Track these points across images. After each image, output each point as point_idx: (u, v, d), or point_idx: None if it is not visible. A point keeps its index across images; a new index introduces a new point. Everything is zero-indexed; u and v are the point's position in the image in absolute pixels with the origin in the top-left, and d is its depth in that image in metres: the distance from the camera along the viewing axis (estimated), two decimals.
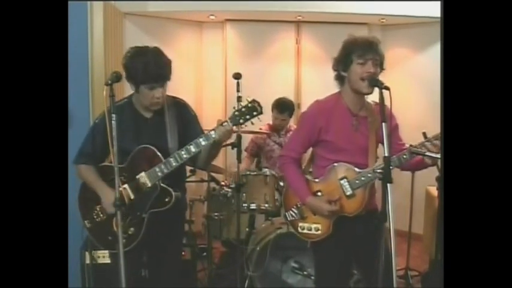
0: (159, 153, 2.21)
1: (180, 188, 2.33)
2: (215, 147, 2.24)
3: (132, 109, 2.29)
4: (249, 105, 2.15)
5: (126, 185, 2.24)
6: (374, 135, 2.20)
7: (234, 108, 2.18)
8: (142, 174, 2.22)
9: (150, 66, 2.12)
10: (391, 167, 1.90)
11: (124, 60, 2.20)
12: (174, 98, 2.37)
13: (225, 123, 2.14)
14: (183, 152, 2.17)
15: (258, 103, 2.16)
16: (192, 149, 2.16)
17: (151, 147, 2.21)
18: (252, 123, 2.19)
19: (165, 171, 2.19)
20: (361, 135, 2.21)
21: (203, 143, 2.15)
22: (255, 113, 2.15)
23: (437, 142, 2.04)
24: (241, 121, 2.15)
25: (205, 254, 3.52)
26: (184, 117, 2.35)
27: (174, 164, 2.18)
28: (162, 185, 2.22)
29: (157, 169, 2.20)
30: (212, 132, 2.14)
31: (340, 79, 2.25)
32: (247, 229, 3.50)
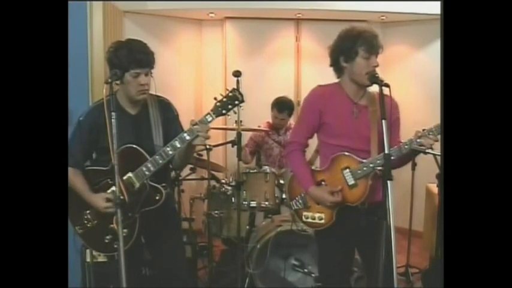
0: (144, 152, 2.18)
1: (166, 183, 2.30)
2: (192, 146, 2.22)
3: (116, 106, 2.26)
4: (230, 94, 2.15)
5: (114, 188, 2.15)
6: (376, 124, 2.17)
7: (215, 99, 2.16)
8: (130, 174, 2.18)
9: (134, 51, 2.14)
10: (392, 158, 1.90)
11: (108, 54, 2.19)
12: (158, 96, 2.36)
13: (206, 117, 2.13)
14: (168, 149, 2.15)
15: (239, 91, 2.15)
16: (177, 144, 2.14)
17: (135, 146, 2.18)
18: (235, 113, 2.23)
19: (152, 169, 2.16)
20: (361, 123, 2.20)
21: (188, 137, 2.13)
22: (236, 102, 2.16)
23: (433, 135, 2.04)
24: (223, 111, 2.15)
25: (205, 252, 3.52)
26: (167, 116, 2.34)
27: (160, 161, 2.15)
28: (150, 183, 2.20)
29: (144, 168, 2.17)
30: (196, 126, 2.13)
31: (339, 69, 2.23)
32: (247, 227, 3.51)
